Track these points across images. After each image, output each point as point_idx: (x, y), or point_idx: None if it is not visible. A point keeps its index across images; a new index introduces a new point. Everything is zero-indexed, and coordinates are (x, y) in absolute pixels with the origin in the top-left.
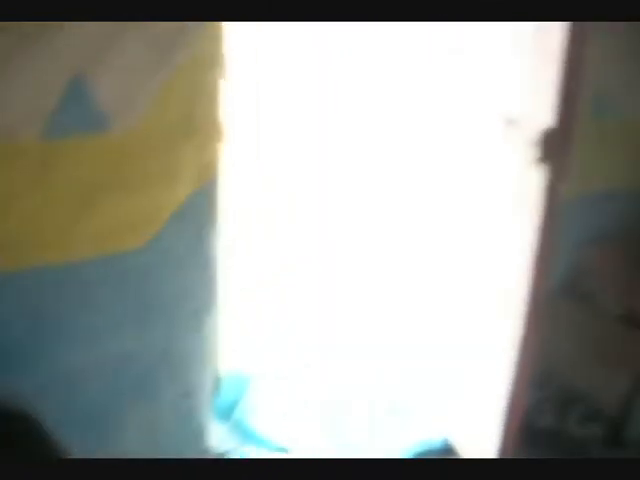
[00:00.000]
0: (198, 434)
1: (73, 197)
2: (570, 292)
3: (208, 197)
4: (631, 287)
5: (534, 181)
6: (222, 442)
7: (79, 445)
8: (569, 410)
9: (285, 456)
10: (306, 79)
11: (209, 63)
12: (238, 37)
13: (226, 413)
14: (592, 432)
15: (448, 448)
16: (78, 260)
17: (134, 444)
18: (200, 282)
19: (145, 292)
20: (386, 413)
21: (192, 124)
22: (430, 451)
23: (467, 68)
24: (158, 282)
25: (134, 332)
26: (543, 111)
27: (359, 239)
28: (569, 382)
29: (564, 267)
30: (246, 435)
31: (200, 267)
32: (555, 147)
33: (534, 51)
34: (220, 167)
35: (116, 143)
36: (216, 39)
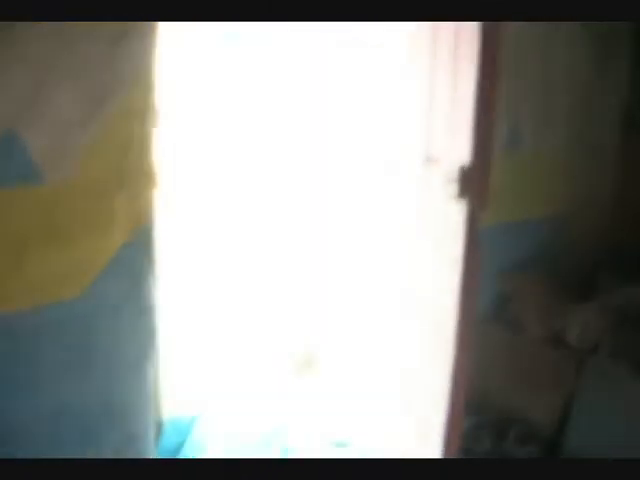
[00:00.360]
0: None
1: (6, 248)
2: (497, 317)
3: (143, 244)
4: (552, 310)
5: (455, 214)
6: None
7: None
8: (506, 432)
9: None
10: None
11: (140, 114)
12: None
13: (171, 456)
14: (529, 452)
15: None
16: (13, 311)
17: None
18: (138, 329)
19: (83, 342)
20: (327, 443)
21: (124, 174)
22: None
23: (392, 110)
24: (96, 331)
25: (74, 381)
26: (460, 150)
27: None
28: (504, 405)
29: (490, 294)
30: None
31: (138, 314)
32: (472, 183)
33: (450, 94)
34: (153, 214)
35: (49, 194)
36: (146, 90)
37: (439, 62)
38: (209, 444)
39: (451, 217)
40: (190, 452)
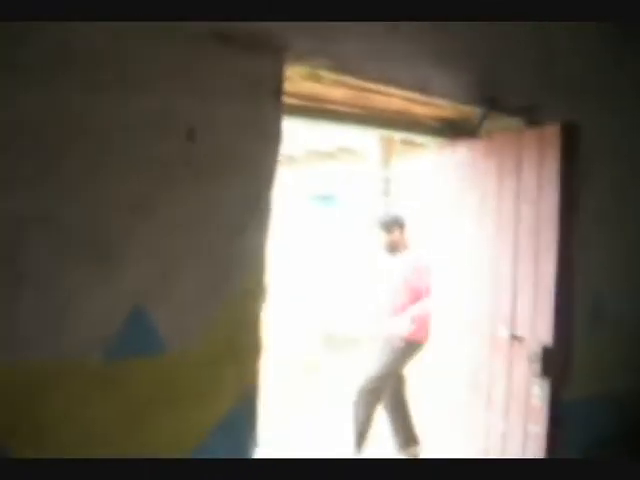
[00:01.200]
0: None
1: (127, 413)
2: None
3: (248, 410)
4: None
5: (538, 390)
6: None
7: None
8: None
9: None
10: None
11: (252, 295)
12: None
13: None
14: None
15: None
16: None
17: None
18: None
19: None
20: None
21: (235, 348)
22: None
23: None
24: None
25: None
26: (542, 330)
27: None
28: None
29: None
30: None
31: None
32: (555, 363)
33: (533, 272)
34: (259, 379)
35: (169, 364)
36: (259, 273)
37: (521, 242)
38: None
39: (534, 392)
40: None
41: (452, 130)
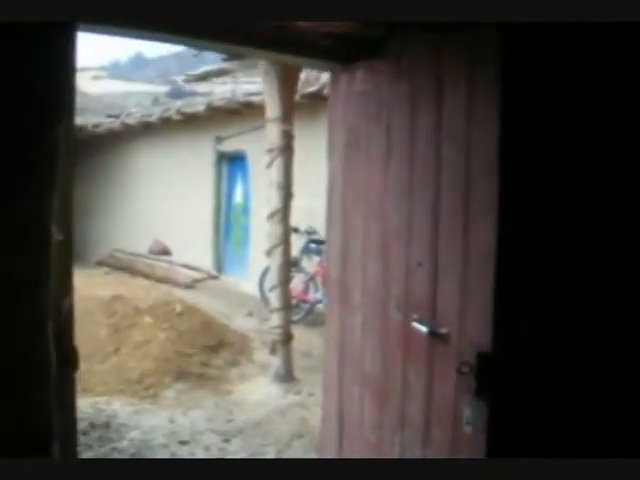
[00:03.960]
0: None
1: None
2: None
3: None
4: None
5: (470, 414)
6: None
7: None
8: None
9: None
10: None
11: None
12: None
13: None
14: None
15: None
16: None
17: None
18: None
19: None
20: None
21: None
22: None
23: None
24: None
25: None
26: (476, 330)
27: None
28: None
29: None
30: None
31: None
32: (493, 375)
33: (462, 260)
34: None
35: None
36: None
37: (444, 200)
38: None
39: (465, 418)
40: None
41: (350, 54)
